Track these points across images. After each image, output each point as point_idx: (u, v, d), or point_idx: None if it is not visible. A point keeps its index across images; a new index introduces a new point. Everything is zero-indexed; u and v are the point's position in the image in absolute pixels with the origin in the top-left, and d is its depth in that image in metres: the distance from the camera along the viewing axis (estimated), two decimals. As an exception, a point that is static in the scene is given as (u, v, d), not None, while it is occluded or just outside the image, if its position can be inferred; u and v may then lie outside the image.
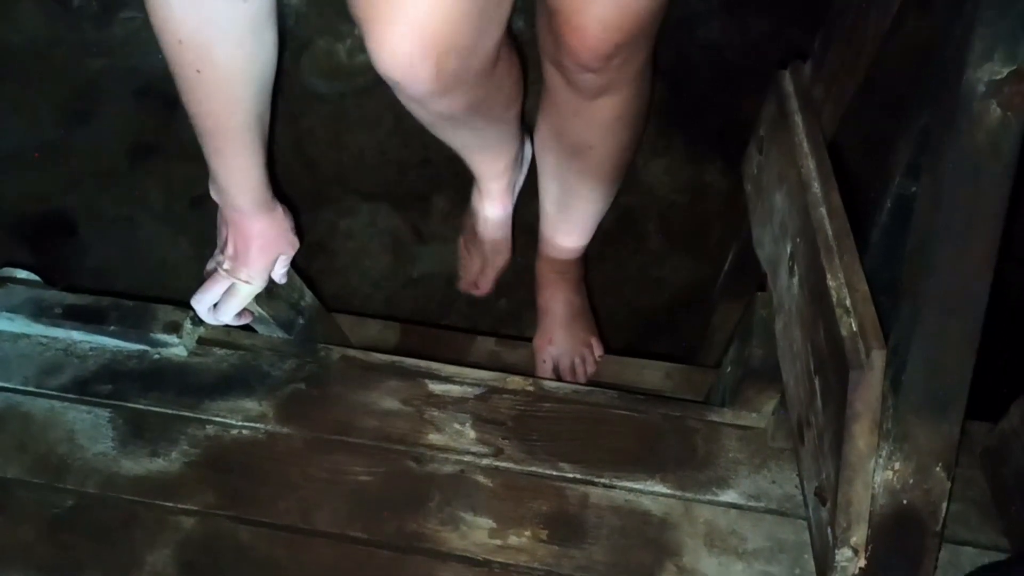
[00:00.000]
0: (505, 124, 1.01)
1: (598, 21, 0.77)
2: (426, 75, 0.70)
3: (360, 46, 1.47)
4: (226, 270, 0.85)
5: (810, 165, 0.74)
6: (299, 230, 0.91)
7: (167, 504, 0.78)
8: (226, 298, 0.86)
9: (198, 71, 0.69)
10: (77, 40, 1.30)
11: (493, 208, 1.18)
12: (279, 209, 0.87)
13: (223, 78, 0.70)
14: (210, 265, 0.88)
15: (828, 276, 0.64)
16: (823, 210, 0.70)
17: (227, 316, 0.87)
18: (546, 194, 1.12)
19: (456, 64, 0.72)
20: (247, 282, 0.86)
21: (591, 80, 0.85)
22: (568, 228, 1.15)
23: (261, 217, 0.84)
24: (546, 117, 1.01)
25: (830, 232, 0.67)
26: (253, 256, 0.85)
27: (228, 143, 0.76)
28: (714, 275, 1.40)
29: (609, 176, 1.05)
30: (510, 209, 1.20)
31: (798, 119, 0.79)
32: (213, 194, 0.84)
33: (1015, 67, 0.52)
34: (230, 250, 0.85)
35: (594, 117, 0.93)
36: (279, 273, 0.90)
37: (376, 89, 1.53)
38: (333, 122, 1.52)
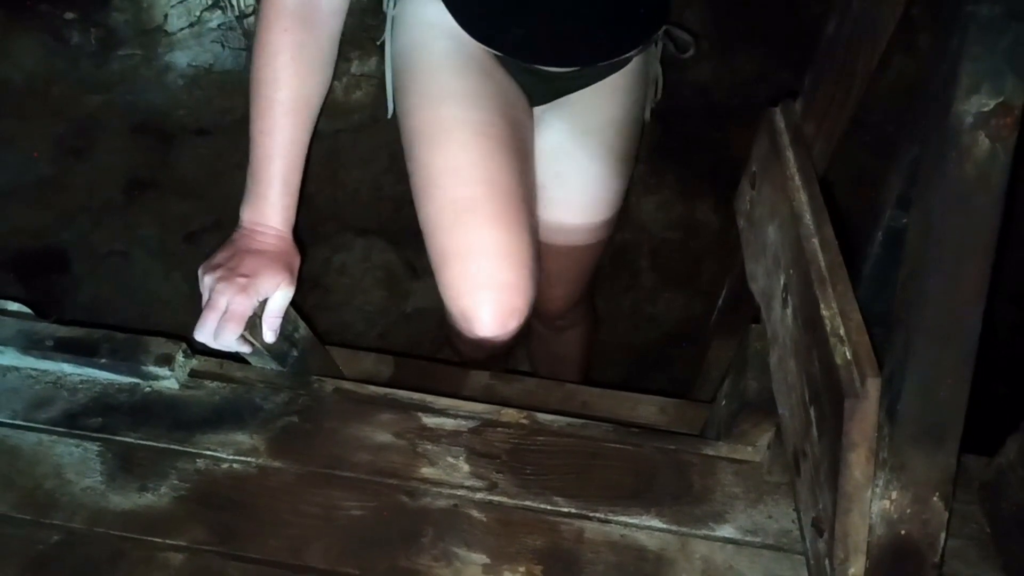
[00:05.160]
0: None
1: (560, 298, 1.29)
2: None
3: (356, 84, 1.49)
4: (218, 292, 0.84)
5: (802, 199, 0.75)
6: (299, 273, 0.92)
7: (155, 540, 0.76)
8: (223, 323, 0.85)
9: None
10: (75, 76, 1.31)
11: None
12: (294, 243, 0.92)
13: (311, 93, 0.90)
14: (205, 295, 0.87)
15: (822, 306, 0.65)
16: (816, 242, 0.70)
17: (229, 339, 0.85)
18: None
19: None
20: (240, 299, 0.84)
21: (561, 323, 1.41)
22: None
23: (283, 236, 0.90)
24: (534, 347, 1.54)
25: (823, 263, 0.68)
26: (252, 267, 0.85)
27: (293, 149, 0.89)
28: (706, 310, 1.41)
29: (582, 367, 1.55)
30: None
31: (790, 154, 0.80)
32: (247, 209, 0.90)
33: (1002, 99, 0.53)
34: (232, 263, 0.85)
35: (569, 338, 1.48)
36: (277, 306, 0.88)
37: (371, 126, 1.55)
38: (329, 159, 1.54)
